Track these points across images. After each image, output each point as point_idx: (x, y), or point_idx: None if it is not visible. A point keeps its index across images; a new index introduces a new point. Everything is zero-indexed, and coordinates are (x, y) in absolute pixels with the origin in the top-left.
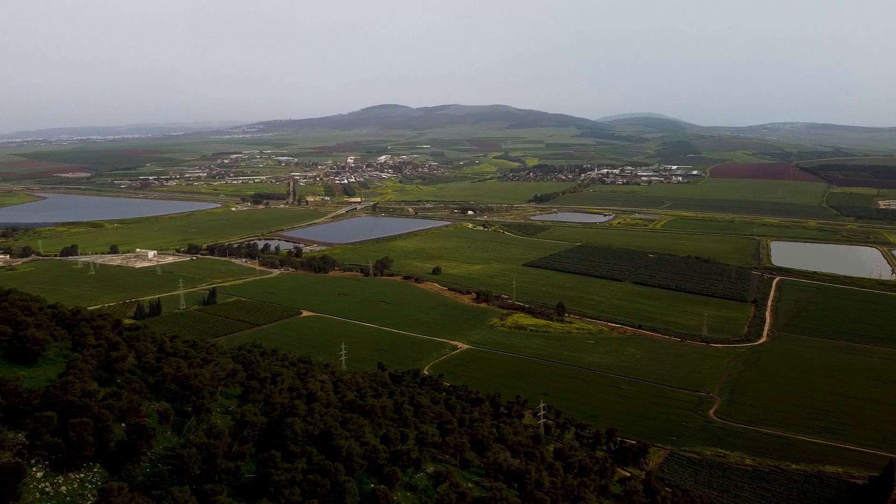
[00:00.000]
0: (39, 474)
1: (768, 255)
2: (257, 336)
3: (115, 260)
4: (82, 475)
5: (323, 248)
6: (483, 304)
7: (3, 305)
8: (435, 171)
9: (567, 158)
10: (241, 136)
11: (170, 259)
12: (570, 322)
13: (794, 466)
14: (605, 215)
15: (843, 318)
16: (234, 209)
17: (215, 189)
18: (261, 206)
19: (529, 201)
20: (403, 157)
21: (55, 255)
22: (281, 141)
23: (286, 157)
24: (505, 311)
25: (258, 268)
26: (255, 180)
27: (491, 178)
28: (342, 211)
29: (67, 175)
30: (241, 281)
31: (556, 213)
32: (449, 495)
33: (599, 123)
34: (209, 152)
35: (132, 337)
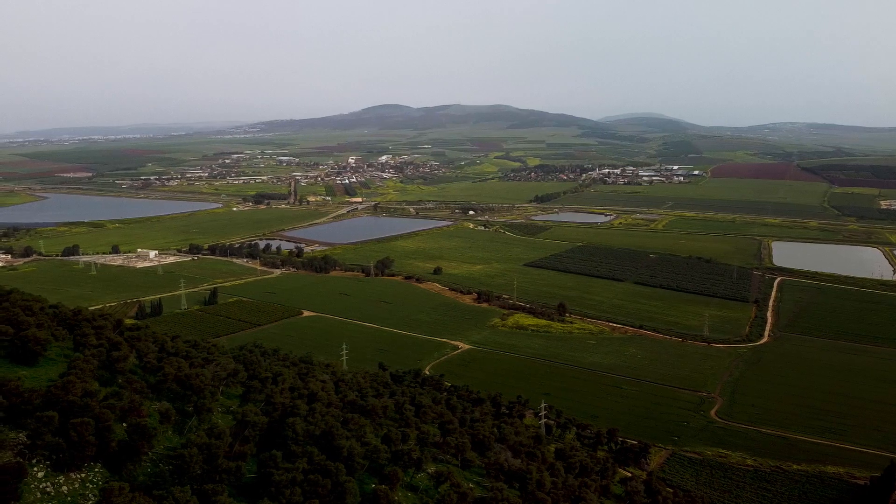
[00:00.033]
0: (40, 474)
1: (770, 256)
2: (258, 336)
3: (116, 260)
4: (83, 475)
5: (324, 248)
6: (484, 305)
7: (5, 305)
8: (436, 171)
9: (568, 158)
10: (242, 136)
11: (171, 259)
12: (571, 322)
13: (795, 467)
14: (606, 215)
15: (844, 318)
16: (235, 209)
17: (216, 189)
18: (262, 206)
19: (530, 201)
20: (404, 157)
21: (56, 255)
22: (282, 141)
23: (287, 157)
24: (506, 312)
25: (259, 268)
26: (257, 180)
27: (492, 178)
28: (343, 211)
29: (69, 175)
30: (243, 281)
31: (557, 213)
32: (450, 495)
33: (601, 123)
34: (210, 152)
35: (133, 337)
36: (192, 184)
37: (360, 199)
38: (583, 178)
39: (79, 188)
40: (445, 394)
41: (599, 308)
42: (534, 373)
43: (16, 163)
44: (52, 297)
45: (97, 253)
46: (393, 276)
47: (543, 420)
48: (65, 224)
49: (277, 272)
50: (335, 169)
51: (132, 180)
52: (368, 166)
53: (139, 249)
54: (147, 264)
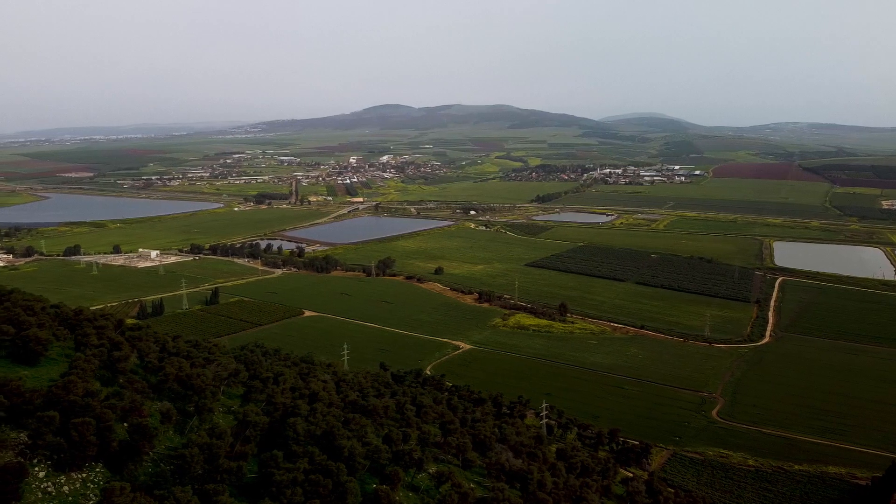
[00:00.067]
0: (42, 474)
1: (771, 256)
2: (260, 336)
3: (117, 260)
4: (84, 475)
5: (325, 247)
6: (485, 305)
7: (6, 305)
8: (437, 171)
9: (569, 158)
10: (243, 135)
11: (172, 259)
12: (572, 322)
13: (796, 467)
14: (607, 215)
15: (845, 318)
16: (236, 209)
17: (218, 189)
18: (263, 206)
19: (532, 201)
20: (406, 157)
21: (58, 255)
22: (283, 141)
23: (289, 157)
24: (507, 312)
25: (261, 268)
26: (258, 180)
27: (493, 178)
28: (344, 211)
29: (70, 175)
30: (244, 281)
31: (558, 213)
32: (451, 496)
33: (602, 123)
34: (212, 152)
35: (134, 337)
36: (194, 184)
37: (361, 199)
38: (584, 178)
39: (80, 188)
40: (447, 394)
41: (601, 308)
42: (535, 373)
43: (17, 163)
44: (54, 296)
45: (99, 253)
46: (394, 276)
47: (545, 420)
48: (66, 224)
49: (279, 272)
50: (336, 169)
51: (134, 180)
52: (370, 166)
53: (141, 249)
54: (148, 264)
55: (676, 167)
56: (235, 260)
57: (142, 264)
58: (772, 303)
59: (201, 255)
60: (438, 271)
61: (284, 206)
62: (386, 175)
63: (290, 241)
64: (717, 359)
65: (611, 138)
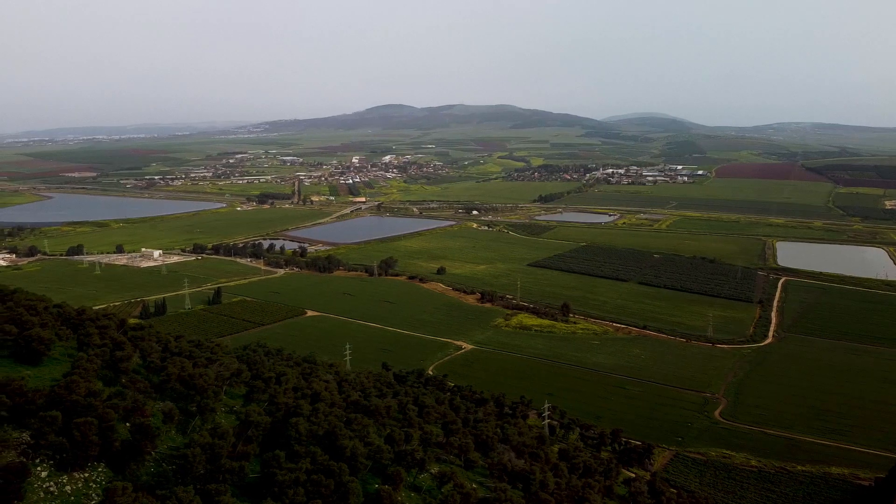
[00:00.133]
0: (44, 474)
1: (774, 256)
2: (262, 336)
3: (120, 259)
4: (87, 475)
5: (328, 247)
6: (487, 305)
7: (9, 305)
8: (439, 171)
9: (572, 158)
10: (246, 135)
11: (175, 259)
12: (574, 322)
13: (799, 468)
14: (610, 215)
15: (848, 318)
16: (239, 209)
17: (220, 189)
18: (266, 206)
19: (534, 201)
20: (408, 156)
21: (61, 255)
22: (286, 141)
23: (291, 157)
24: (509, 312)
25: (263, 267)
26: (261, 180)
27: (495, 178)
28: (347, 211)
29: (73, 175)
30: (246, 281)
31: (560, 213)
32: (453, 496)
33: (604, 123)
34: (214, 152)
35: (137, 336)
36: (197, 183)
37: (363, 199)
38: (586, 178)
39: (83, 188)
40: (449, 394)
41: (603, 308)
42: (537, 373)
43: (20, 162)
44: (56, 296)
45: (101, 252)
46: (396, 275)
47: (547, 420)
48: (69, 224)
49: (281, 272)
50: (339, 169)
51: (136, 180)
52: (372, 166)
53: (143, 249)
54: (151, 264)
55: (679, 167)
56: (238, 260)
57: (144, 264)
58: (774, 303)
59: (204, 255)
60: (441, 271)
61: (287, 205)
62: (388, 175)
63: (292, 241)
64: (719, 359)
65: (613, 138)
